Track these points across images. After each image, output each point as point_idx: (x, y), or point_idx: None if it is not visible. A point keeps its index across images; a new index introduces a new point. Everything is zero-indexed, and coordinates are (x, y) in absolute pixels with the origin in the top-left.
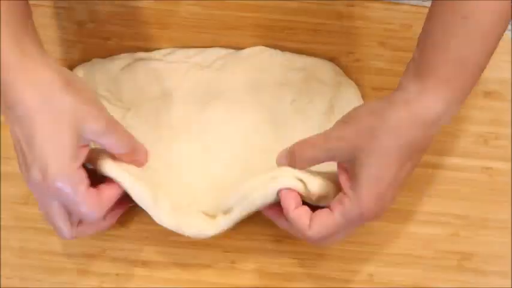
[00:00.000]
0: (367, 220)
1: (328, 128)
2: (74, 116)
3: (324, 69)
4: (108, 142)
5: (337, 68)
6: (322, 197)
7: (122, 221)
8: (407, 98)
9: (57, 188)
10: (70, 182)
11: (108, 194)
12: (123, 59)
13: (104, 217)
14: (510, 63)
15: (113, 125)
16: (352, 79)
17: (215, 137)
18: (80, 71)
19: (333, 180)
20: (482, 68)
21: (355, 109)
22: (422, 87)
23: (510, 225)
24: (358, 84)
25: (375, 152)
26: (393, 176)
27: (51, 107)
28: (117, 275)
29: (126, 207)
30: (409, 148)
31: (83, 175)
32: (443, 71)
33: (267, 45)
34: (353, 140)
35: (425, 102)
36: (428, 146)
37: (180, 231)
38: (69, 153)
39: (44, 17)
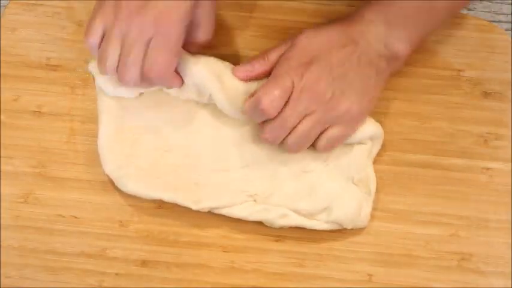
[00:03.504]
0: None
1: None
2: None
3: None
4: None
5: None
6: None
7: (122, 221)
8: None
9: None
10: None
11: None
12: None
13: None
14: (510, 63)
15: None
16: None
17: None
18: None
19: None
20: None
21: None
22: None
23: (510, 226)
24: None
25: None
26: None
27: None
28: (116, 274)
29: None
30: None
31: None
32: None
33: (266, 45)
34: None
35: (353, 18)
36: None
37: None
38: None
39: (44, 17)
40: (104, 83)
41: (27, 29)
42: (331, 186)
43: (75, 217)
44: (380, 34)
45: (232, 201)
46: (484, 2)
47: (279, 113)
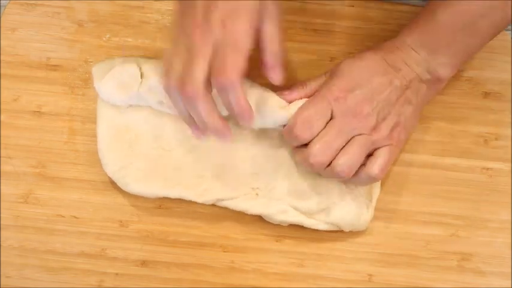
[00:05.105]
0: (294, 136)
1: None
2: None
3: None
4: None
5: None
6: None
7: (122, 221)
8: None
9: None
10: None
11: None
12: None
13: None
14: (510, 63)
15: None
16: None
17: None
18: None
19: None
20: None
21: None
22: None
23: (510, 226)
24: None
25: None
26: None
27: None
28: (116, 274)
29: None
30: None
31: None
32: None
33: None
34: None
35: (394, 43)
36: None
37: None
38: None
39: (44, 17)
40: (99, 88)
41: (27, 29)
42: (333, 188)
43: (75, 217)
44: (422, 60)
45: (235, 194)
46: None
47: (323, 135)
